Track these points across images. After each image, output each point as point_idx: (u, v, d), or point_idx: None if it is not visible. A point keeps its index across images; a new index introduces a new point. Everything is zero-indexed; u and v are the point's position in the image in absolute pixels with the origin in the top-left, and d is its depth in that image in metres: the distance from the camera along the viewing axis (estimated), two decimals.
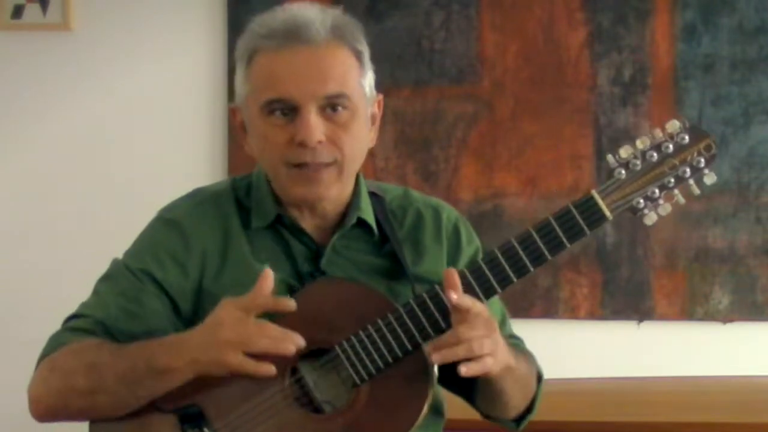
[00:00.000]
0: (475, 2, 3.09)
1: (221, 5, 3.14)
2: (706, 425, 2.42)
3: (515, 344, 1.83)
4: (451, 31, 3.10)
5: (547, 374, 2.56)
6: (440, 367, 1.79)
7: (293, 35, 1.67)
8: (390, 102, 3.09)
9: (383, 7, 3.10)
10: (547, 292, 3.09)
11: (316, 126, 1.66)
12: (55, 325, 1.77)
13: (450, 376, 1.77)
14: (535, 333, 3.09)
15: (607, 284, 3.08)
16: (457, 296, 1.59)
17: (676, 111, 3.01)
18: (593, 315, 3.09)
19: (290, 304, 1.62)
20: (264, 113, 1.69)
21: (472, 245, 1.85)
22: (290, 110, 1.68)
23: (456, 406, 1.87)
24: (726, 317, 3.06)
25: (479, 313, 1.61)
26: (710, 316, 3.06)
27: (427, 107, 3.11)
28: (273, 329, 1.60)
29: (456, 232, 1.84)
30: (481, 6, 3.09)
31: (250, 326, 1.59)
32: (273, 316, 1.64)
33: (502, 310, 1.89)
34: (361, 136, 1.73)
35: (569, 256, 3.07)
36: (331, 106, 1.68)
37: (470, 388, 1.79)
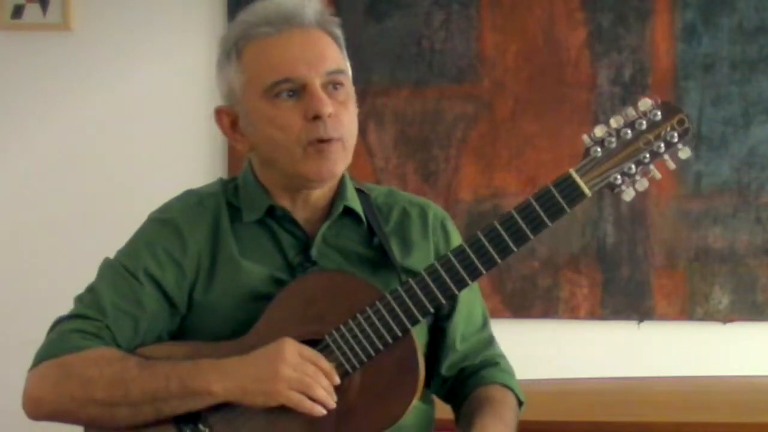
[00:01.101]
0: (475, 2, 3.09)
1: (221, 5, 3.14)
2: (706, 425, 2.42)
3: (499, 395, 1.83)
4: (451, 31, 3.10)
5: (547, 374, 2.57)
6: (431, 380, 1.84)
7: (286, 20, 1.72)
8: (390, 102, 3.09)
9: (383, 7, 3.10)
10: (547, 292, 3.09)
11: (326, 98, 1.70)
12: None
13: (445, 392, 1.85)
14: (535, 333, 3.11)
15: (607, 284, 3.08)
16: None
17: None
18: (593, 315, 3.09)
19: (336, 380, 1.66)
20: (269, 97, 1.71)
21: (458, 243, 1.85)
22: (295, 90, 1.71)
23: (448, 406, 1.89)
24: (726, 317, 3.06)
25: None
26: (710, 316, 3.06)
27: (427, 107, 3.11)
28: (326, 382, 1.65)
29: (444, 229, 1.87)
30: (481, 6, 3.09)
31: (311, 372, 1.64)
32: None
33: (484, 312, 1.91)
34: (355, 116, 1.77)
35: (569, 256, 3.07)
36: (332, 83, 1.73)
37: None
